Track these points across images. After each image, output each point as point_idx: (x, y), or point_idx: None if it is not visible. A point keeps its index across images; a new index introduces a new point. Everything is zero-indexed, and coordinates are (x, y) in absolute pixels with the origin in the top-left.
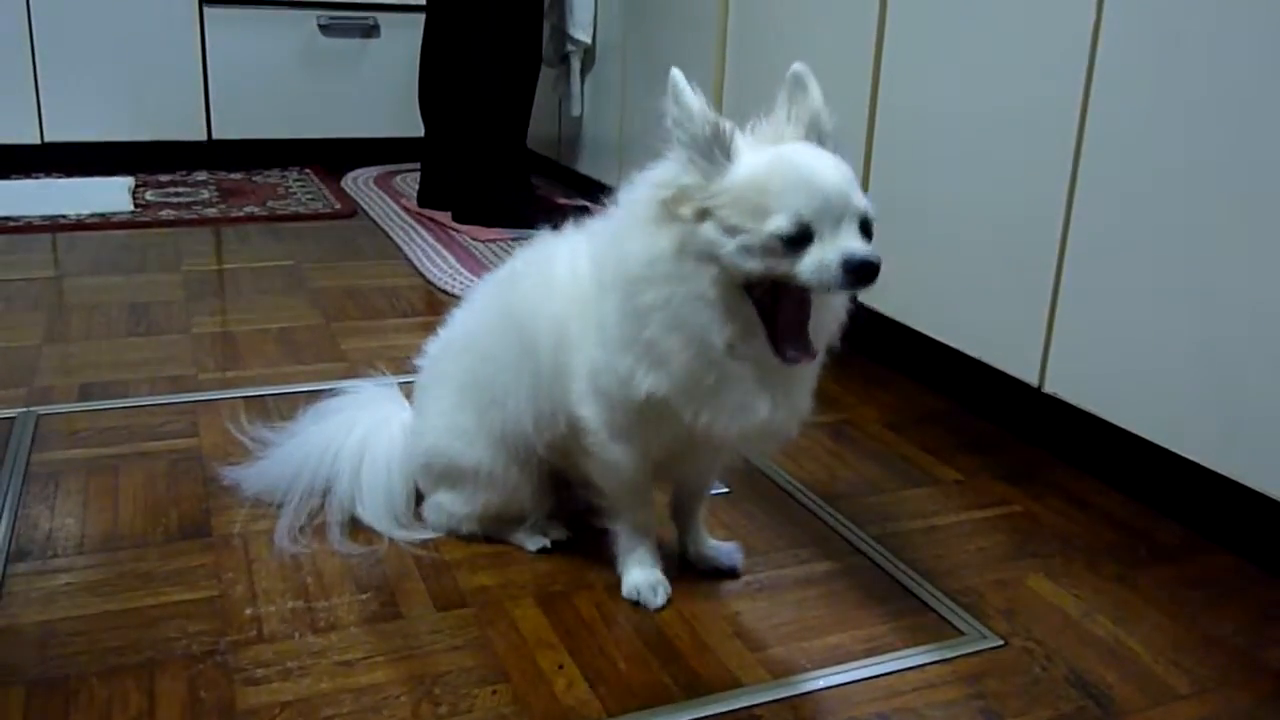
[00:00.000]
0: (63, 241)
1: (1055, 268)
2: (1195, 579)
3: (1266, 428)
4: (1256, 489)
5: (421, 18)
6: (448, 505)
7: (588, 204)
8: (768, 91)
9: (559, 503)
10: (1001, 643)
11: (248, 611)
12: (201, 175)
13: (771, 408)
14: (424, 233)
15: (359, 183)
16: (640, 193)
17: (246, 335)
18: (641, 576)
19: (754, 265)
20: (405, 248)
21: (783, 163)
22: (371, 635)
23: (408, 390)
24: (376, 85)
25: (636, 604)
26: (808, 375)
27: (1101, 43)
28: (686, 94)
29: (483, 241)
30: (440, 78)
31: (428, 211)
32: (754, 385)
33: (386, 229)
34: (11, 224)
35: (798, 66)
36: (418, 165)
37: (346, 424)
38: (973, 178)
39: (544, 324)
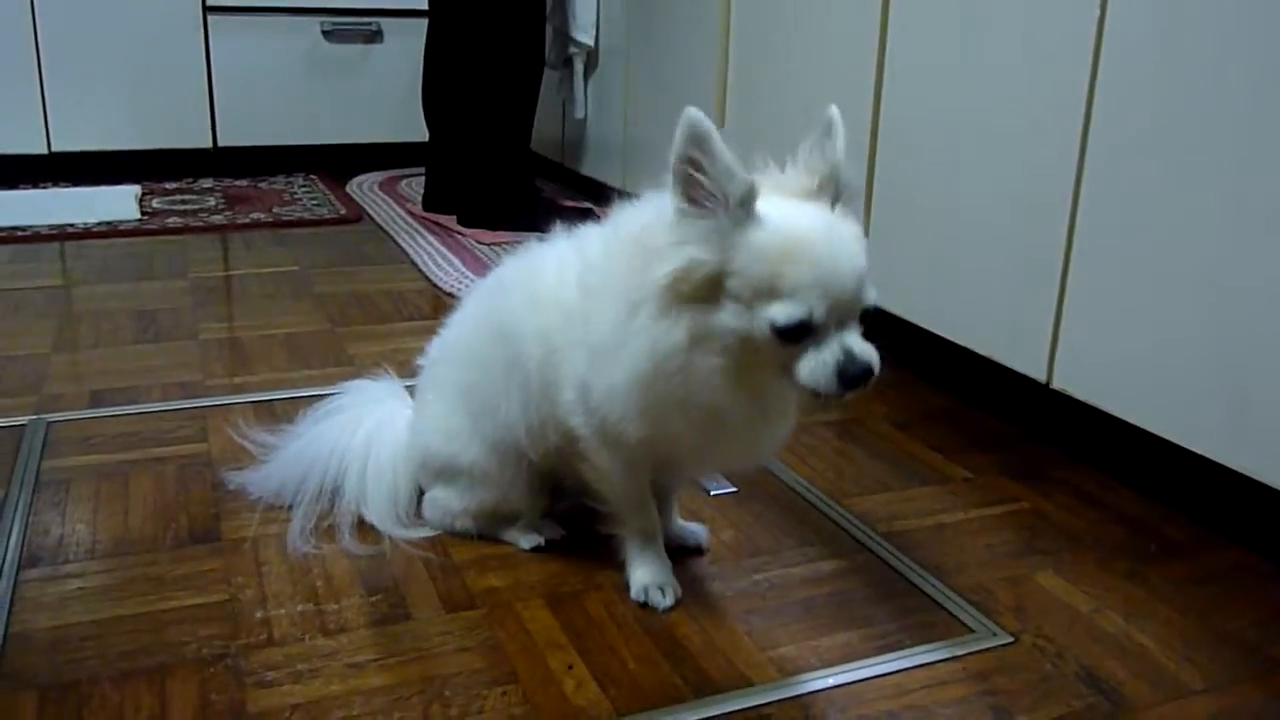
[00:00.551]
0: (70, 250)
1: (1062, 264)
2: (1206, 575)
3: (1277, 422)
4: (1267, 484)
5: (424, 23)
6: (444, 500)
7: (592, 206)
8: (772, 93)
9: (554, 502)
10: (1011, 640)
11: (258, 615)
12: (207, 182)
13: (769, 436)
14: (430, 237)
15: (364, 188)
16: (642, 234)
17: (254, 341)
18: (649, 577)
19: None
20: (411, 252)
21: (802, 245)
22: (381, 637)
23: (413, 391)
24: (380, 90)
25: (645, 605)
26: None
27: (1107, 36)
28: (717, 143)
29: (488, 245)
30: (444, 82)
31: (433, 215)
32: (754, 426)
33: (392, 233)
34: (20, 233)
35: (833, 111)
36: (422, 170)
37: (352, 422)
38: (979, 175)
39: (530, 337)
